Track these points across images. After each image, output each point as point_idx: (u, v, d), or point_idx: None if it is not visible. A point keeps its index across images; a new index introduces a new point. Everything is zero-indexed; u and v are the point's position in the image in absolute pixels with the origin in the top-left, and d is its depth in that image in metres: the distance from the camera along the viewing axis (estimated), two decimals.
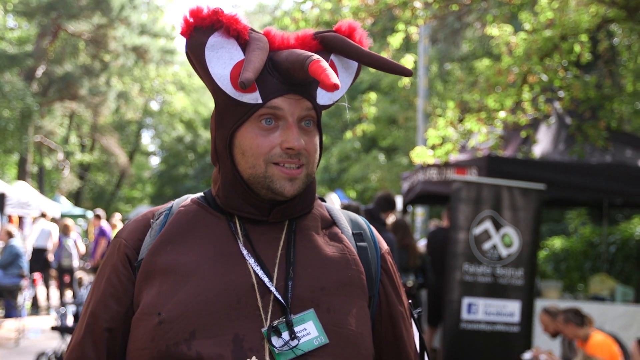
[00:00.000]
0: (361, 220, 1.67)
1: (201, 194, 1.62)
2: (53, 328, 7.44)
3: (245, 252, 1.48)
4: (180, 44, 36.21)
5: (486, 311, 6.94)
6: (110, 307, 1.49)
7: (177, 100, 37.31)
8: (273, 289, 1.44)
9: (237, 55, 1.47)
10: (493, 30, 8.79)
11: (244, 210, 1.52)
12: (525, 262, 7.03)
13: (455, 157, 8.25)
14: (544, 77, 8.03)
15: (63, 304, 8.01)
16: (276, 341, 1.40)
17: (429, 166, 8.37)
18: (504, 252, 6.98)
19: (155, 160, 47.32)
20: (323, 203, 1.66)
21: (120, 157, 34.66)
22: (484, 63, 10.76)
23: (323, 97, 1.52)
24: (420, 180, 8.76)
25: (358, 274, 1.53)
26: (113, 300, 1.50)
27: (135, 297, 1.48)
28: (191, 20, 1.46)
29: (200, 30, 1.46)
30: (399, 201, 11.96)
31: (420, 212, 15.80)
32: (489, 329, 6.93)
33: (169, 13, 61.28)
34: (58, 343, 7.71)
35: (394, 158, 22.55)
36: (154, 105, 40.21)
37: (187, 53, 1.50)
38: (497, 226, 6.98)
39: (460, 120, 8.26)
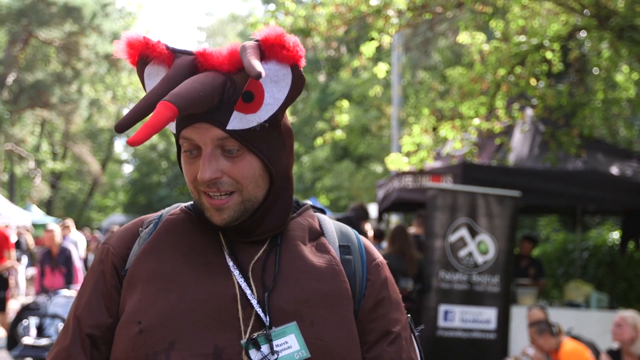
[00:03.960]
0: (351, 232, 1.62)
1: (191, 202, 1.59)
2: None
3: (231, 263, 1.45)
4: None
5: (462, 318, 6.95)
6: (96, 314, 1.47)
7: None
8: (254, 301, 1.41)
9: None
10: (465, 38, 8.85)
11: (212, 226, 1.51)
12: (501, 269, 7.05)
13: (430, 164, 8.28)
14: (516, 87, 8.09)
15: (26, 316, 7.86)
16: (255, 355, 1.37)
17: (404, 173, 8.38)
18: (479, 259, 7.00)
19: (128, 168, 47.01)
20: (317, 214, 1.62)
21: (93, 165, 34.39)
22: (457, 71, 10.83)
23: (240, 120, 1.41)
24: (395, 187, 8.77)
25: (345, 285, 1.49)
26: (98, 307, 1.48)
27: (120, 306, 1.46)
28: (131, 50, 1.44)
29: (140, 61, 1.45)
30: (374, 209, 11.98)
31: (394, 219, 15.83)
32: (466, 336, 6.94)
33: (141, 20, 61.04)
34: None
35: (366, 166, 22.60)
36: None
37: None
38: (473, 233, 7.00)
39: (435, 129, 8.29)
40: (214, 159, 1.42)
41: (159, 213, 1.60)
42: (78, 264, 9.88)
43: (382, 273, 1.57)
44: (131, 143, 1.30)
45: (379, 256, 1.59)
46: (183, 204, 1.60)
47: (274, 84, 1.43)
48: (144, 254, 1.47)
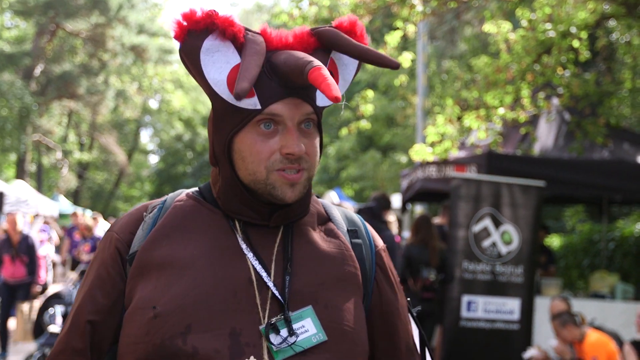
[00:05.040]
0: (356, 217, 1.65)
1: (196, 189, 1.59)
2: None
3: (244, 246, 1.46)
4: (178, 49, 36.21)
5: (486, 309, 6.92)
6: (97, 300, 1.48)
7: (175, 98, 37.30)
8: (271, 284, 1.43)
9: (234, 59, 1.43)
10: (491, 27, 8.77)
11: (244, 214, 1.49)
12: (525, 259, 7.01)
13: (454, 154, 8.23)
14: (541, 77, 8.01)
15: (52, 304, 7.93)
16: (274, 338, 1.39)
17: (428, 163, 8.34)
18: (503, 249, 6.96)
19: (154, 159, 47.34)
20: (319, 199, 1.64)
21: (119, 155, 34.67)
22: (482, 60, 10.73)
23: (323, 98, 1.48)
24: (419, 177, 8.74)
25: (354, 270, 1.52)
26: (100, 293, 1.48)
27: (127, 292, 1.46)
28: (185, 23, 1.42)
29: (194, 33, 1.42)
30: (398, 199, 11.95)
31: (419, 209, 15.78)
32: (489, 326, 6.91)
33: (167, 11, 61.20)
34: None
35: (391, 156, 22.54)
36: (153, 104, 40.21)
37: (181, 57, 1.46)
38: (497, 223, 6.96)
39: (459, 118, 8.24)
40: (298, 134, 1.44)
41: (163, 198, 1.60)
42: (41, 253, 9.57)
43: (387, 258, 1.63)
44: (337, 99, 1.32)
45: (381, 241, 1.65)
46: (187, 190, 1.60)
47: (345, 67, 1.52)
48: (155, 240, 1.47)
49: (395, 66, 1.44)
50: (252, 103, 1.41)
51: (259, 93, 1.41)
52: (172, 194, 1.61)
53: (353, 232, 1.59)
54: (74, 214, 15.51)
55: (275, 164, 1.42)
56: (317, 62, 1.36)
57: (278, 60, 1.42)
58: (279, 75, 1.41)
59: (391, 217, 8.03)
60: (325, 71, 1.34)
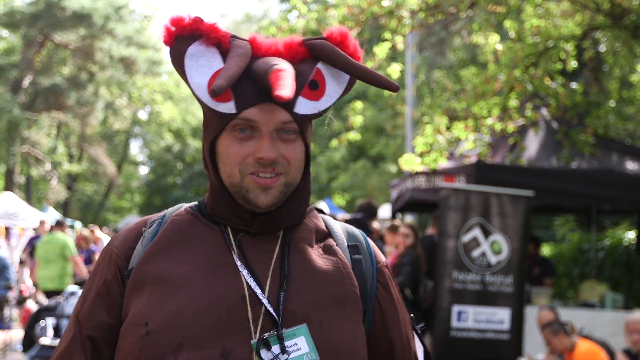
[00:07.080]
0: (358, 232, 1.63)
1: (195, 203, 1.60)
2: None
3: (239, 263, 1.45)
4: (167, 54, 36.00)
5: (476, 319, 6.93)
6: (97, 315, 1.48)
7: (165, 109, 37.24)
8: (265, 300, 1.41)
9: (217, 64, 1.45)
10: (479, 38, 8.82)
11: (228, 219, 1.50)
12: (514, 269, 7.02)
13: (443, 164, 8.25)
14: (529, 87, 8.06)
15: (43, 317, 7.89)
16: (265, 355, 1.38)
17: (417, 174, 8.36)
18: (493, 259, 6.98)
19: (143, 170, 47.20)
20: (320, 214, 1.63)
21: (109, 167, 34.57)
22: (470, 71, 10.79)
23: (305, 106, 1.47)
24: (408, 187, 8.76)
25: (352, 288, 1.50)
26: (100, 309, 1.49)
27: (124, 308, 1.46)
28: (173, 28, 1.45)
29: (181, 38, 1.45)
30: (388, 209, 11.98)
31: (409, 220, 15.78)
32: (479, 336, 6.91)
33: (157, 22, 61.02)
34: None
35: (381, 166, 22.57)
36: (142, 115, 40.14)
37: (171, 61, 1.49)
38: (486, 233, 6.98)
39: (448, 128, 8.26)
40: (273, 140, 1.44)
41: (162, 213, 1.60)
42: None
43: (388, 274, 1.61)
44: (283, 98, 1.34)
45: (382, 257, 1.63)
46: (187, 205, 1.60)
47: (334, 79, 1.51)
48: (150, 255, 1.47)
49: (394, 89, 1.46)
50: (228, 107, 1.44)
51: (236, 97, 1.43)
52: (172, 208, 1.61)
53: (354, 248, 1.58)
54: (42, 223, 15.01)
55: (248, 168, 1.44)
56: (281, 65, 1.38)
57: (253, 65, 1.44)
58: (254, 80, 1.43)
59: (374, 225, 8.10)
60: (286, 73, 1.36)
